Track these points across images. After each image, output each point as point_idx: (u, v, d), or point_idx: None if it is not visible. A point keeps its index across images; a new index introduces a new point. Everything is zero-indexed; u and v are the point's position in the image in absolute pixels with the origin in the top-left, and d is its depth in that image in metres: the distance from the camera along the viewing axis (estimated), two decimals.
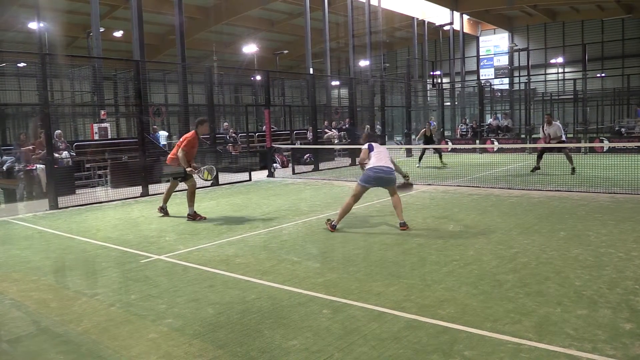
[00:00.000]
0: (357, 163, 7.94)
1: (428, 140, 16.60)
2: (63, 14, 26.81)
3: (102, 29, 20.36)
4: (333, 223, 7.27)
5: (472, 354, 3.29)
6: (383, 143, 21.98)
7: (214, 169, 9.11)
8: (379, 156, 7.33)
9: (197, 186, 12.72)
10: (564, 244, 6.01)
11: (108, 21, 29.07)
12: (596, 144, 18.90)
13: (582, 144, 18.30)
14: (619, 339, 3.43)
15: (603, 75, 34.49)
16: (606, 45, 36.89)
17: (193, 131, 8.70)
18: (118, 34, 30.33)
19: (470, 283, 4.68)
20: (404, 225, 7.13)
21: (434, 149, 17.02)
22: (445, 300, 4.25)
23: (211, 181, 9.72)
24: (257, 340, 3.63)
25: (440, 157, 16.55)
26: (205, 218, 8.57)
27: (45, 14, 23.43)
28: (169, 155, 8.89)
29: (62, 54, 28.64)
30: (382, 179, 7.23)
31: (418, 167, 15.91)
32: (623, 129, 23.26)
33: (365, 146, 7.54)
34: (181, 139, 8.75)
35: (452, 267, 5.21)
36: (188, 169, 8.48)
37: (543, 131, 13.61)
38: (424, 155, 16.81)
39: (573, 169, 12.87)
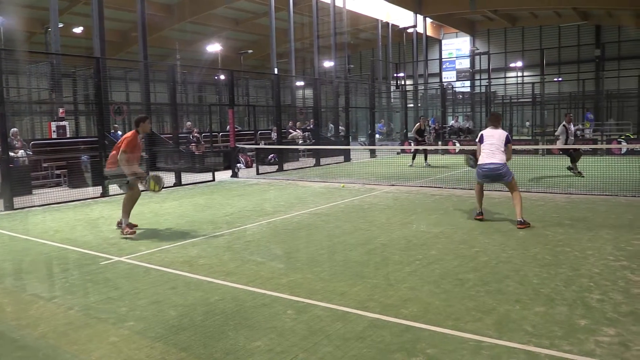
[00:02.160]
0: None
1: (421, 134, 16.74)
2: (20, 8, 25.96)
3: (61, 25, 19.81)
4: (478, 211, 7.58)
5: (434, 352, 3.34)
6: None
7: (162, 179, 7.61)
8: (487, 150, 7.25)
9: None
10: (523, 243, 6.17)
11: (67, 16, 28.29)
12: (553, 146, 19.43)
13: (539, 146, 18.83)
14: (575, 334, 3.54)
15: (560, 79, 35.55)
16: (563, 50, 38.04)
17: (133, 131, 7.43)
18: (78, 30, 29.55)
19: (433, 282, 4.75)
20: (521, 224, 7.01)
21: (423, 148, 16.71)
22: (409, 300, 4.31)
23: (158, 192, 7.60)
24: (220, 341, 3.60)
25: (426, 157, 16.69)
26: (134, 232, 7.21)
27: (1, 7, 22.65)
28: (108, 159, 7.55)
29: (18, 49, 27.75)
30: (490, 176, 7.35)
31: (411, 166, 16.14)
32: (579, 132, 24.01)
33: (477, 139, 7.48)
34: (120, 140, 7.51)
35: (415, 266, 5.28)
36: (130, 176, 7.19)
37: (567, 131, 12.69)
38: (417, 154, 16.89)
39: (577, 171, 12.44)
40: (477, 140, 7.52)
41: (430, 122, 27.38)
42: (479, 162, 7.33)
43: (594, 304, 4.10)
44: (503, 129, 7.62)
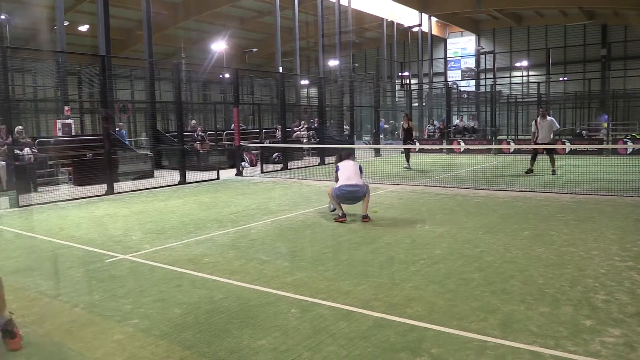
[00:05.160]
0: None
1: (407, 134, 15.80)
2: (26, 6, 26.05)
3: (66, 23, 19.84)
4: (340, 213, 7.81)
5: (439, 351, 3.33)
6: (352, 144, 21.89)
7: None
8: (345, 175, 7.87)
9: (164, 184, 12.57)
10: (528, 243, 6.15)
11: (73, 15, 28.35)
12: (559, 146, 19.38)
13: (545, 146, 18.74)
14: (580, 335, 3.53)
15: (565, 79, 35.39)
16: (569, 50, 37.86)
17: None
18: (83, 28, 29.62)
19: (437, 282, 4.74)
20: (365, 217, 7.71)
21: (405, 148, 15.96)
22: (413, 299, 4.30)
23: None
24: (225, 340, 3.60)
25: (408, 158, 15.69)
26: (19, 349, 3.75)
27: (7, 6, 22.75)
28: None
29: (24, 47, 27.83)
30: (349, 197, 7.83)
31: (406, 168, 15.20)
32: (584, 132, 23.92)
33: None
34: None
35: (419, 266, 5.27)
36: None
37: (536, 125, 13.28)
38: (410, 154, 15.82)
39: (553, 171, 12.99)
40: (335, 170, 8.09)
41: (435, 121, 27.35)
42: (340, 184, 7.83)
43: (600, 305, 4.08)
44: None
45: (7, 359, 3.45)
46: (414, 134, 16.00)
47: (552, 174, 12.82)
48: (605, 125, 21.32)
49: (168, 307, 4.28)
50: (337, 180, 8.00)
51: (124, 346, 3.55)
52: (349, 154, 8.47)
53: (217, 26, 35.46)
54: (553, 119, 13.54)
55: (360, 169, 8.06)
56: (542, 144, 13.19)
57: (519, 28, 40.91)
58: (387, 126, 30.44)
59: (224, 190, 11.88)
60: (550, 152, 13.41)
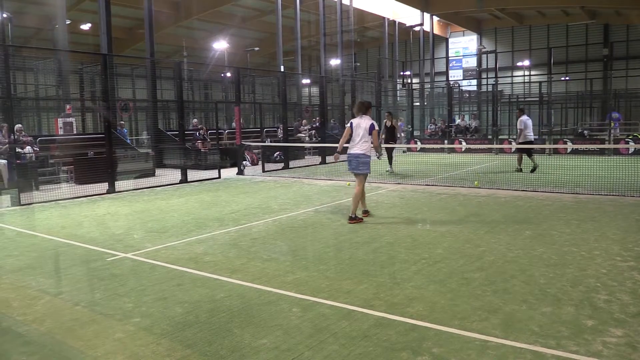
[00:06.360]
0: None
1: (390, 133, 14.68)
2: (27, 4, 26.07)
3: (68, 21, 19.85)
4: (351, 215, 7.58)
5: (440, 351, 3.33)
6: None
7: None
8: (354, 140, 7.60)
9: (165, 183, 12.62)
10: (529, 242, 6.14)
11: (75, 13, 28.37)
12: (560, 146, 19.38)
13: (546, 145, 18.74)
14: (582, 335, 3.52)
15: (567, 78, 35.35)
16: (570, 49, 37.82)
17: None
18: (85, 26, 29.64)
19: (439, 281, 4.74)
20: (352, 219, 7.51)
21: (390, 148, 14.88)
22: (414, 298, 4.29)
23: None
24: (226, 339, 3.60)
25: (390, 161, 14.72)
26: None
27: (9, 4, 22.72)
28: None
29: (26, 45, 27.85)
30: (351, 161, 7.64)
31: (389, 171, 14.37)
32: (585, 132, 23.89)
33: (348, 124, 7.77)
34: None
35: (420, 265, 5.26)
36: None
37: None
38: (392, 155, 14.94)
39: (519, 170, 13.64)
40: (347, 125, 7.78)
41: (439, 119, 27.25)
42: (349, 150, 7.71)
43: (601, 305, 4.07)
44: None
45: (7, 358, 3.46)
46: (397, 133, 15.59)
47: (517, 171, 13.52)
48: (612, 123, 21.32)
49: (169, 305, 4.28)
50: (348, 140, 7.64)
51: (125, 345, 3.55)
52: (369, 107, 7.76)
53: (218, 25, 35.48)
54: (522, 118, 13.48)
55: (372, 126, 7.47)
56: (519, 142, 13.69)
57: (521, 27, 40.86)
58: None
59: (225, 189, 11.88)
60: (521, 151, 13.92)
